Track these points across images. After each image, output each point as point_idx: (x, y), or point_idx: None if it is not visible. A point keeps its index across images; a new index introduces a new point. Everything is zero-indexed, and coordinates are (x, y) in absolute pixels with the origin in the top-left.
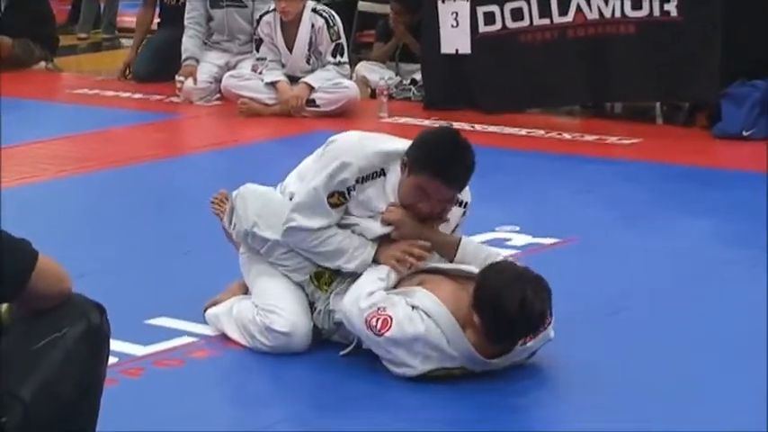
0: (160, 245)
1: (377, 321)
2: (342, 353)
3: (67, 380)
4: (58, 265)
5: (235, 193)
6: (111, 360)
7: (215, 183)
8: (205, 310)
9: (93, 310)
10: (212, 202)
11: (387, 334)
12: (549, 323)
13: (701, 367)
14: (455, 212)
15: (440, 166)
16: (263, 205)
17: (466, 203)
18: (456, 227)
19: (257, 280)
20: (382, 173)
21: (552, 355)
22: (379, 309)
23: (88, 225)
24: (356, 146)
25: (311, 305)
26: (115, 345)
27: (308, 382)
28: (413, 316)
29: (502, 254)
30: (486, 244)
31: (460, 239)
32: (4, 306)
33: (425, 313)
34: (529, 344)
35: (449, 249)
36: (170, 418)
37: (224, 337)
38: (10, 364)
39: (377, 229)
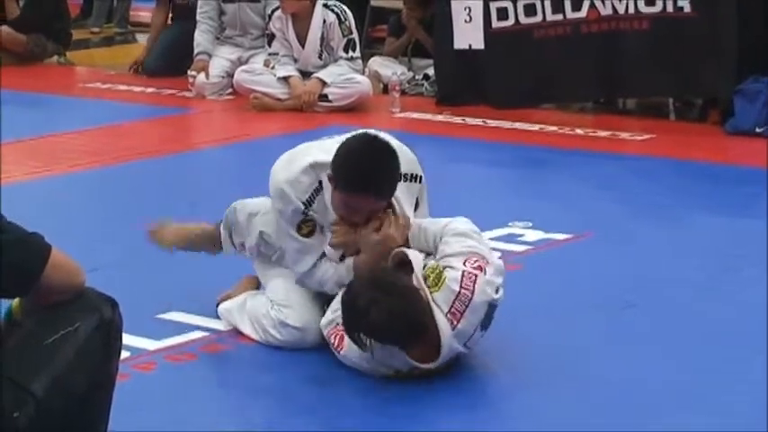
0: None
1: (334, 338)
2: None
3: (80, 374)
4: (71, 259)
5: (227, 211)
6: (124, 354)
7: (227, 177)
8: (218, 305)
9: (106, 304)
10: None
11: (342, 352)
12: (473, 287)
13: (709, 364)
14: (412, 189)
15: (362, 180)
16: (266, 215)
17: (420, 177)
18: (417, 203)
19: (272, 276)
20: (320, 186)
21: (559, 350)
22: (337, 325)
23: (101, 219)
24: (286, 171)
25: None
26: (127, 339)
27: (321, 378)
28: None
29: (450, 224)
30: (499, 240)
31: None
32: (16, 300)
33: None
34: (459, 326)
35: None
36: (182, 413)
37: (236, 331)
38: (22, 359)
39: (333, 253)
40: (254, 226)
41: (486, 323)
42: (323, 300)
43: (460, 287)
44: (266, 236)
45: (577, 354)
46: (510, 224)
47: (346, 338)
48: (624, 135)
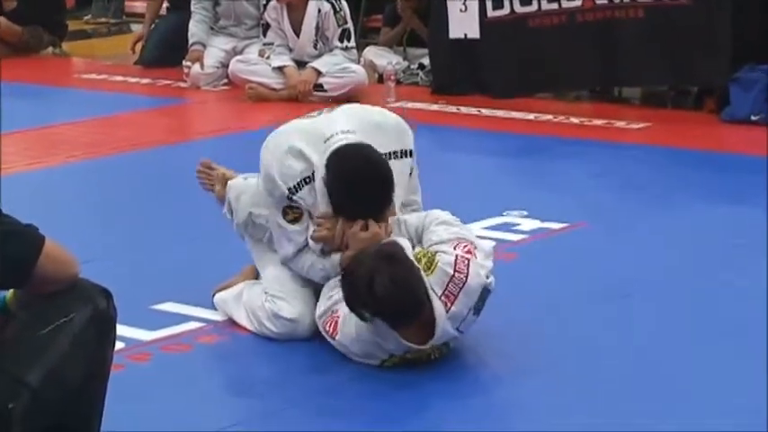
0: (167, 230)
1: (329, 325)
2: None
3: (74, 365)
4: (66, 250)
5: (227, 186)
6: (118, 345)
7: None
8: (214, 294)
9: (100, 294)
10: (198, 176)
11: (337, 337)
12: (466, 271)
13: (706, 355)
14: (405, 164)
15: (353, 210)
16: (255, 195)
17: (410, 151)
18: (411, 173)
19: (267, 266)
20: (311, 177)
21: (554, 339)
22: (333, 312)
23: (96, 210)
24: (274, 153)
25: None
26: (122, 330)
27: (315, 367)
28: (351, 316)
29: (430, 214)
30: (494, 229)
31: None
32: (10, 292)
33: None
34: (453, 309)
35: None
36: (177, 403)
37: (231, 322)
38: (17, 350)
39: (314, 245)
40: (242, 205)
41: (479, 307)
42: (317, 291)
43: (454, 270)
44: (255, 216)
45: (572, 343)
46: (505, 213)
47: (340, 324)
48: (620, 124)
